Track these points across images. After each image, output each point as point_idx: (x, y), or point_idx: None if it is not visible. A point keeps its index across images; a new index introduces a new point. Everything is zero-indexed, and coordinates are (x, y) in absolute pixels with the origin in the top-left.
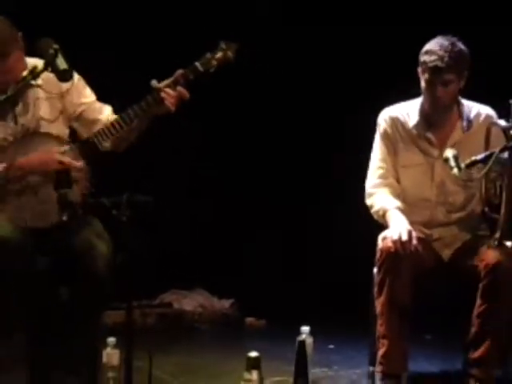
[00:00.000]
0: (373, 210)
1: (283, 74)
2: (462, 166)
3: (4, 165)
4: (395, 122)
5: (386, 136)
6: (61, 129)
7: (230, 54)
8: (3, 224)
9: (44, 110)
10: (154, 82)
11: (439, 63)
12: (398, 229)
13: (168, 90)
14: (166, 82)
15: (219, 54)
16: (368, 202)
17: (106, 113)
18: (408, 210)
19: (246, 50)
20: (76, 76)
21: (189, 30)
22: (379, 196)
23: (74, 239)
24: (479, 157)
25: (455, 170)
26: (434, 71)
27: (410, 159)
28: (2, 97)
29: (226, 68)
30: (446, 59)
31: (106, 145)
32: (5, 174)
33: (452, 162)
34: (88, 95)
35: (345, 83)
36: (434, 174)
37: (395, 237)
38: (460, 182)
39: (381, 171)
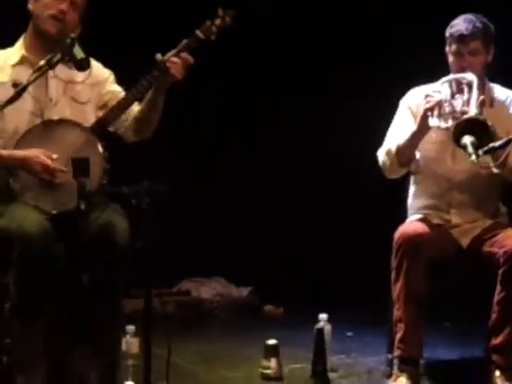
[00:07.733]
0: (383, 159)
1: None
2: (480, 152)
3: None
4: (421, 98)
5: (407, 110)
6: (86, 115)
7: (228, 19)
8: (29, 215)
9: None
10: (158, 56)
11: (464, 32)
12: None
13: (173, 58)
14: (171, 53)
15: (218, 21)
16: (380, 160)
17: (133, 106)
18: (429, 190)
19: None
20: (108, 71)
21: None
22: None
23: (94, 222)
24: (497, 143)
25: (473, 157)
26: (460, 40)
27: (432, 135)
28: (20, 86)
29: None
30: (470, 28)
31: (122, 130)
32: None
33: (470, 149)
34: (116, 87)
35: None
36: (456, 151)
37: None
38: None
39: (393, 140)
